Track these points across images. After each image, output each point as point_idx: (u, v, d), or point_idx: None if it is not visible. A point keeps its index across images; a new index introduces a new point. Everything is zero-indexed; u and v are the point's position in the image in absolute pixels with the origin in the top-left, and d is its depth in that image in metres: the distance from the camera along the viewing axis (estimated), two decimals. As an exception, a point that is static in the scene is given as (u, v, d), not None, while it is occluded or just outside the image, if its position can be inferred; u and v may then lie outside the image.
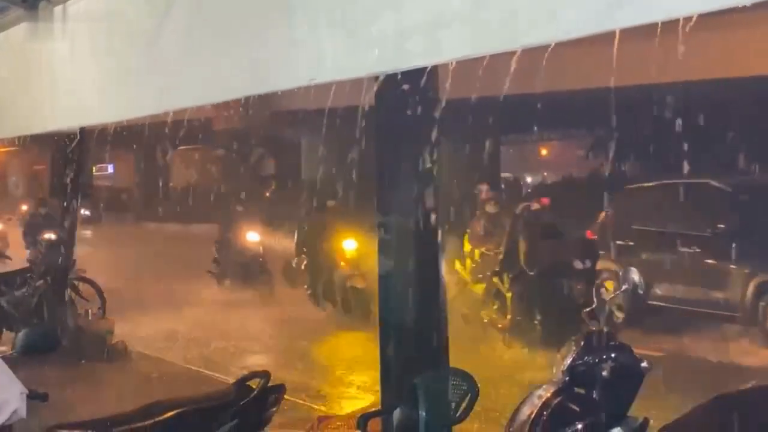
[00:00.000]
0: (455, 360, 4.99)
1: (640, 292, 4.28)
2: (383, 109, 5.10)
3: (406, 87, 4.78)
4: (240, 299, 15.23)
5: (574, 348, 4.24)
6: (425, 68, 3.73)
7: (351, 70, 3.82)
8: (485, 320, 11.66)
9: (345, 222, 13.63)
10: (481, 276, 12.41)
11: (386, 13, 3.59)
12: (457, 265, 12.87)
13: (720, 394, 3.72)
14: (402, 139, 5.05)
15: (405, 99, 4.76)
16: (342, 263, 13.39)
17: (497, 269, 11.63)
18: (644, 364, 4.12)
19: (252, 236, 16.53)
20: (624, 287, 4.33)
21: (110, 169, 44.34)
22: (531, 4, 3.07)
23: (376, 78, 4.27)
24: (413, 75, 4.08)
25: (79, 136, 10.39)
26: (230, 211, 17.91)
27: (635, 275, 4.35)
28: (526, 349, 10.44)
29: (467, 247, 12.96)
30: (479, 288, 12.39)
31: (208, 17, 4.81)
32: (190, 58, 5.00)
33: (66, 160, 10.73)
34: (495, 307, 11.58)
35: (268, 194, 33.94)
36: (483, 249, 12.65)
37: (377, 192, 5.32)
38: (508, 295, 11.32)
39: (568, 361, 4.21)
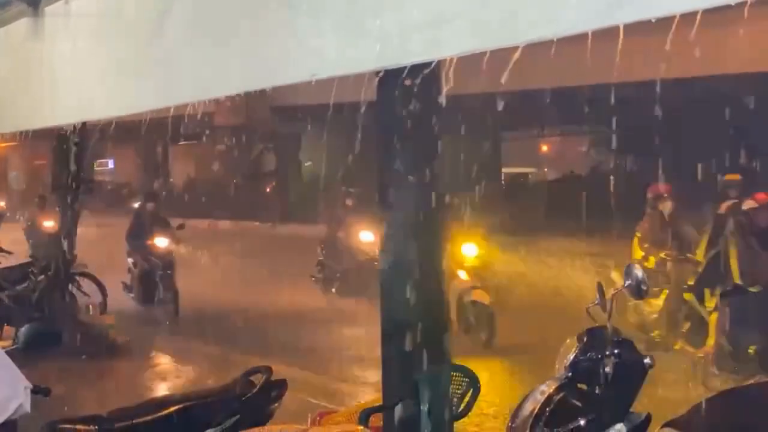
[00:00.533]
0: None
1: (644, 288, 4.26)
2: (385, 104, 5.10)
3: (407, 83, 4.78)
4: (351, 310, 13.13)
5: (576, 344, 4.24)
6: (427, 64, 3.73)
7: (352, 66, 3.82)
8: (676, 347, 9.45)
9: (464, 222, 10.95)
10: (656, 289, 9.89)
11: (388, 9, 3.59)
12: (614, 274, 9.88)
13: (725, 389, 3.72)
14: (403, 134, 5.05)
15: (407, 95, 4.76)
16: (460, 273, 10.85)
17: (692, 283, 9.45)
18: (647, 360, 4.12)
19: (366, 236, 14.20)
20: (627, 282, 4.33)
21: (111, 164, 44.37)
22: (532, 0, 3.07)
23: (378, 73, 4.28)
24: (415, 71, 4.08)
25: (79, 132, 10.40)
26: (339, 206, 15.60)
27: (638, 271, 4.34)
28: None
29: (638, 253, 10.51)
30: (655, 304, 10.04)
31: (210, 12, 4.81)
32: (191, 54, 4.99)
33: (66, 156, 10.74)
34: (684, 329, 9.51)
35: (268, 190, 34.02)
36: (662, 254, 10.28)
37: (379, 186, 5.32)
38: (713, 316, 9.00)
39: (571, 356, 4.21)
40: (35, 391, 4.11)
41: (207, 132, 29.48)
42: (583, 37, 2.89)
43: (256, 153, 34.86)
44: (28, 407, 3.90)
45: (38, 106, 6.87)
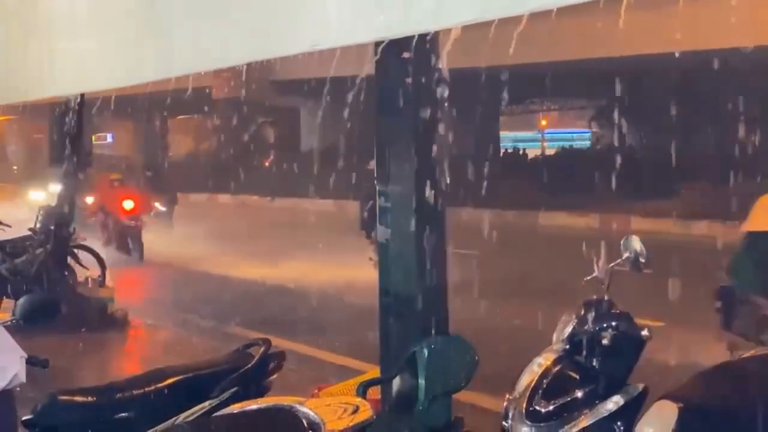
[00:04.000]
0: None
1: (642, 260, 4.25)
2: (384, 76, 5.08)
3: (406, 55, 4.76)
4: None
5: (574, 316, 4.24)
6: (426, 35, 3.71)
7: (354, 36, 3.79)
8: None
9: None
10: None
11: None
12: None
13: (724, 361, 3.72)
14: (402, 107, 5.03)
15: (406, 67, 4.74)
16: None
17: None
18: (644, 333, 4.12)
19: None
20: (626, 255, 4.32)
21: (109, 138, 44.20)
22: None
23: (377, 45, 4.25)
24: (416, 42, 4.06)
25: (78, 104, 10.35)
26: None
27: (636, 243, 4.32)
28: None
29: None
30: None
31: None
32: (191, 24, 4.96)
33: (65, 128, 10.68)
34: None
35: (267, 164, 33.95)
36: None
37: (377, 160, 5.31)
38: None
39: (569, 329, 4.21)
40: (33, 363, 4.10)
41: (206, 106, 29.39)
42: (585, 10, 2.87)
43: (255, 127, 34.77)
44: (23, 377, 3.89)
45: (37, 77, 6.83)
